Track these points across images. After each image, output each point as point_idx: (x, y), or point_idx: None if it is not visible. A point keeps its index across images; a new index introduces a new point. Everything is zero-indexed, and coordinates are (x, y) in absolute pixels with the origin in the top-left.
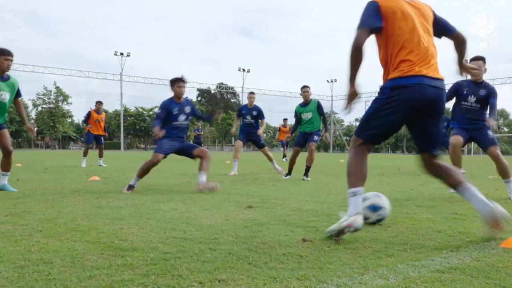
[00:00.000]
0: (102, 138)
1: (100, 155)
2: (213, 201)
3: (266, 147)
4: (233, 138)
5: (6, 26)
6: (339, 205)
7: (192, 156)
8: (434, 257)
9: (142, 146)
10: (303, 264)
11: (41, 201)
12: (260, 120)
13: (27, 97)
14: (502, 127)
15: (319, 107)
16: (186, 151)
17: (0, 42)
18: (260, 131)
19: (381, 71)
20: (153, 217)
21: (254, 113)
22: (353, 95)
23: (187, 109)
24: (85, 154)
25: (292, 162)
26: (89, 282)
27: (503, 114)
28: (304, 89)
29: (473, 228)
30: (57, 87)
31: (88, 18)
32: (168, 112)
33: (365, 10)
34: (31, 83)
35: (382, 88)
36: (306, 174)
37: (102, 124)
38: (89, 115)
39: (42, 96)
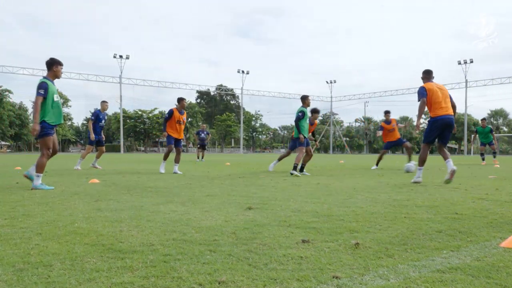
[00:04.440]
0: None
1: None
2: (213, 202)
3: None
4: (233, 140)
5: (4, 28)
6: (339, 206)
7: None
8: (434, 257)
9: (142, 148)
10: (303, 265)
11: (40, 204)
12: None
13: (27, 100)
14: (501, 126)
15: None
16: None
17: None
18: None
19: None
20: (153, 219)
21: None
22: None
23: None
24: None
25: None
26: (88, 285)
27: (502, 114)
28: None
29: (474, 228)
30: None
31: (87, 20)
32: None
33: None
34: (31, 86)
35: None
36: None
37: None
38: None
39: None
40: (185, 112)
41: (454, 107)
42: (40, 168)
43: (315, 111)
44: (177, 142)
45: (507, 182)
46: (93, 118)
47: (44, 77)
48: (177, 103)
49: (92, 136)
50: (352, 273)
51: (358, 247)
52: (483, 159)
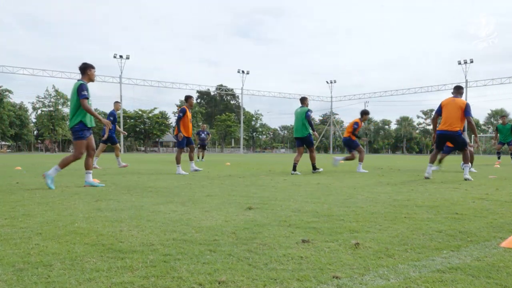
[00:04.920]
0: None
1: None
2: (213, 202)
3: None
4: (233, 139)
5: (4, 28)
6: (340, 206)
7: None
8: (434, 257)
9: (142, 148)
10: (303, 265)
11: (40, 204)
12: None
13: (27, 100)
14: None
15: None
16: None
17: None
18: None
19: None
20: (153, 219)
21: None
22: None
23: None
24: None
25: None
26: (88, 285)
27: (502, 114)
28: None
29: (474, 228)
30: (56, 90)
31: (87, 20)
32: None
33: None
34: (31, 86)
35: None
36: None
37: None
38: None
39: (42, 99)
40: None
41: (469, 122)
42: (63, 164)
43: (366, 113)
44: (189, 140)
45: (507, 182)
46: (111, 118)
47: (80, 80)
48: (185, 102)
49: (107, 135)
50: (352, 273)
51: (358, 247)
52: (498, 158)
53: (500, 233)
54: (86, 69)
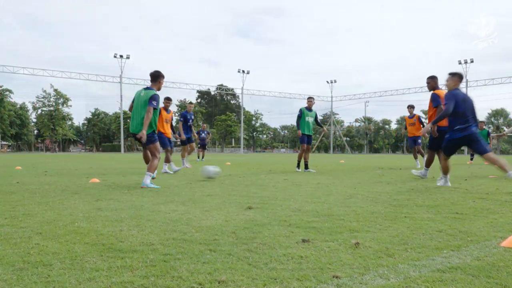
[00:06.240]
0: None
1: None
2: (213, 202)
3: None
4: (233, 139)
5: (4, 28)
6: (340, 206)
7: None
8: (435, 256)
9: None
10: (303, 264)
11: (40, 203)
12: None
13: (27, 100)
14: (501, 126)
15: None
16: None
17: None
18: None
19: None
20: (153, 219)
21: None
22: None
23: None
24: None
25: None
26: (88, 284)
27: (503, 113)
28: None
29: (474, 228)
30: (55, 90)
31: (87, 20)
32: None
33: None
34: (31, 86)
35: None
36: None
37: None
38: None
39: (42, 99)
40: (171, 111)
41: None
42: (152, 169)
43: (409, 106)
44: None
45: (508, 181)
46: (182, 119)
47: (151, 88)
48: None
49: (183, 136)
50: (352, 273)
51: (358, 247)
52: (471, 159)
53: (500, 232)
54: (158, 78)
